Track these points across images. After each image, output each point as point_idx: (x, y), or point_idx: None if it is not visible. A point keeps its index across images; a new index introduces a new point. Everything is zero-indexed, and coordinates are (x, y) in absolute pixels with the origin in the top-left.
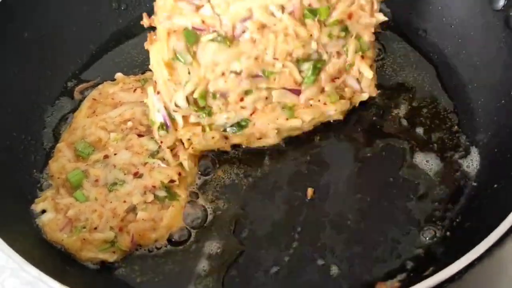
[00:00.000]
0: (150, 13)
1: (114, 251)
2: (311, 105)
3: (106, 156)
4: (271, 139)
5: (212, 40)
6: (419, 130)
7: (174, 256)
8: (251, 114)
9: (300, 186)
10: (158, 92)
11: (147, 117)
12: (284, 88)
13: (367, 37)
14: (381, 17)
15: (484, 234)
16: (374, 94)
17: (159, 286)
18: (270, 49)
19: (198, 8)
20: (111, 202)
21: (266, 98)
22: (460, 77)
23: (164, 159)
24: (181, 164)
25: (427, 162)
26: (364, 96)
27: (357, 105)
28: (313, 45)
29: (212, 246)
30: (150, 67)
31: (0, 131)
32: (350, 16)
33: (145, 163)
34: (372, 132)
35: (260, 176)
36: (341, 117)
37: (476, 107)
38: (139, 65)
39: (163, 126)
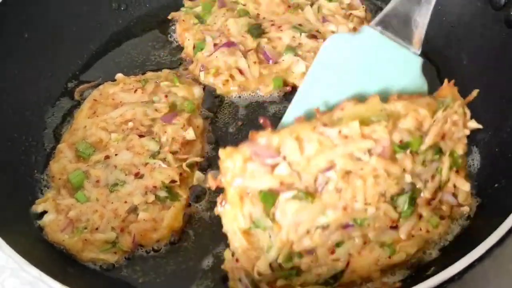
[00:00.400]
0: (150, 13)
1: (115, 251)
2: (412, 235)
3: (107, 157)
4: (376, 282)
5: (293, 198)
6: None
7: (176, 257)
8: (347, 265)
9: None
10: (237, 260)
11: (147, 118)
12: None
13: (461, 150)
14: (475, 125)
15: (485, 234)
16: (469, 204)
17: (161, 286)
18: (360, 196)
19: (272, 167)
20: (112, 202)
21: (364, 243)
22: (461, 77)
23: (165, 160)
24: (181, 165)
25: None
26: (465, 210)
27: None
28: (407, 179)
29: (214, 247)
30: (223, 231)
31: (1, 132)
32: (443, 137)
33: (146, 164)
34: None
35: None
36: (447, 239)
37: (477, 107)
38: (140, 66)
39: None
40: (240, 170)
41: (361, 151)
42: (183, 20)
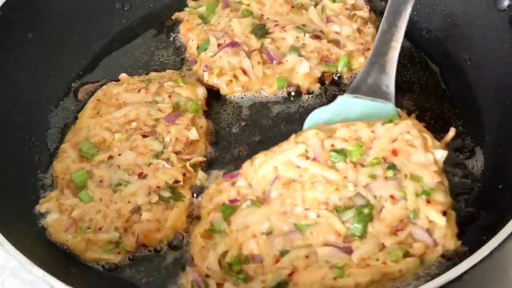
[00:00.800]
0: (153, 13)
1: (118, 251)
2: (367, 264)
3: (110, 157)
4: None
5: (247, 207)
6: None
7: (180, 257)
8: (290, 274)
9: None
10: (194, 264)
11: (151, 118)
12: (331, 246)
13: (429, 177)
14: (439, 154)
15: (489, 235)
16: (452, 247)
17: (164, 287)
18: (298, 200)
19: (234, 183)
20: (115, 202)
21: (307, 257)
22: (465, 77)
23: (168, 160)
24: (185, 165)
25: None
26: (438, 251)
27: (431, 261)
28: (350, 187)
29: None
30: (189, 250)
31: (5, 132)
32: (395, 153)
33: (150, 164)
34: None
35: None
36: (410, 282)
37: (481, 108)
38: (143, 66)
39: None
40: (213, 191)
41: (296, 156)
42: (187, 20)
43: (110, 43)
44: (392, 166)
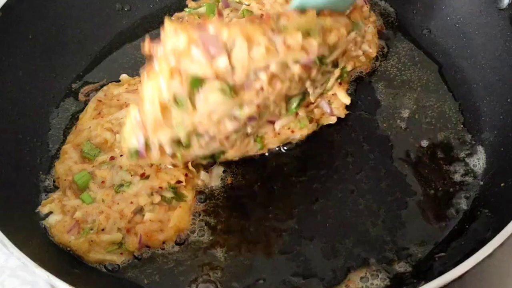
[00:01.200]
0: (153, 14)
1: (121, 252)
2: (278, 133)
3: (112, 158)
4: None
5: (218, 89)
6: (424, 130)
7: (182, 257)
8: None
9: (308, 193)
10: (142, 122)
11: None
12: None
13: (350, 67)
14: (366, 48)
15: (491, 234)
16: (343, 116)
17: (167, 287)
18: (273, 96)
19: (213, 57)
20: (118, 203)
21: (247, 134)
22: (465, 76)
23: None
24: (187, 165)
25: (433, 162)
26: (333, 119)
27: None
28: (308, 84)
29: (220, 249)
30: (142, 91)
31: (5, 134)
32: (344, 53)
33: (152, 164)
34: (377, 133)
35: (262, 184)
36: (303, 138)
37: (482, 106)
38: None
39: (137, 153)
40: (182, 50)
41: (294, 61)
42: (187, 21)
43: (111, 43)
44: (336, 64)
